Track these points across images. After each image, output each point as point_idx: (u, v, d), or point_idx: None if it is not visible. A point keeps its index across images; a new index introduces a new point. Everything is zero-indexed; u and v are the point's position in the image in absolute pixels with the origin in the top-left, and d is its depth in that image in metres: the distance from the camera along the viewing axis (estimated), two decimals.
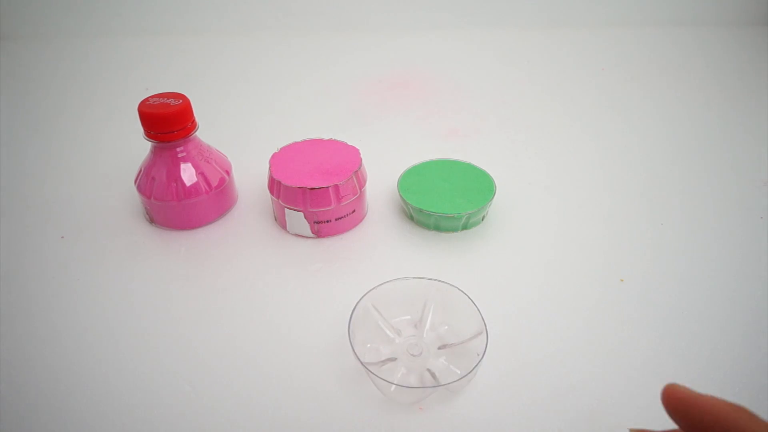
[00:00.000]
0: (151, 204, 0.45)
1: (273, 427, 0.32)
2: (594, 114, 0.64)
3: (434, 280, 0.37)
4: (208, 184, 0.45)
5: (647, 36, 0.82)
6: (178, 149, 0.44)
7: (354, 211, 0.46)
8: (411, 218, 0.47)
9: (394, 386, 0.32)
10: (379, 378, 0.31)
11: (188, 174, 0.44)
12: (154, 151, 0.44)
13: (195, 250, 0.45)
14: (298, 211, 0.44)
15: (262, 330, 0.38)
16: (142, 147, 0.46)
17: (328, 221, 0.44)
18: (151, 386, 0.34)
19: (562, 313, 0.39)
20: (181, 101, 0.43)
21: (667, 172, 0.54)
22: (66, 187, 0.52)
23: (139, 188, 0.45)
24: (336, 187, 0.43)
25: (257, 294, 0.41)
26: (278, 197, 0.44)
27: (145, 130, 0.43)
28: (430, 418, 0.32)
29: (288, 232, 0.46)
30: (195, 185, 0.45)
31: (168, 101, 0.43)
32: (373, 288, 0.36)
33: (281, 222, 0.46)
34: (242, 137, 0.59)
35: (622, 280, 0.41)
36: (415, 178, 0.48)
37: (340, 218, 0.45)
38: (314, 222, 0.44)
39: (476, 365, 0.32)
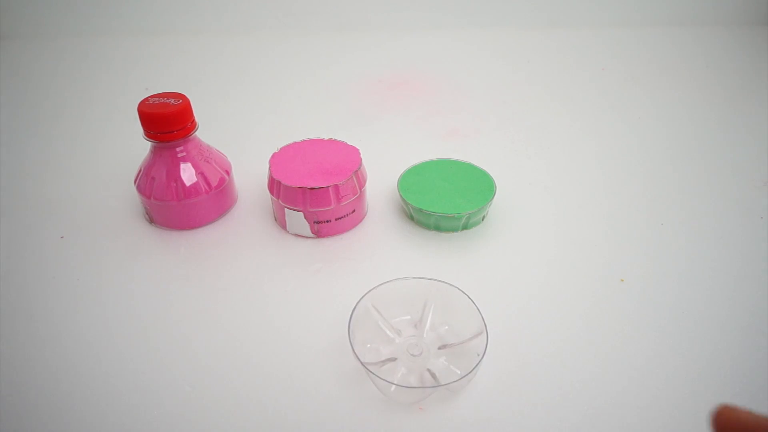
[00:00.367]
0: (150, 204, 0.45)
1: (273, 427, 0.32)
2: (594, 114, 0.64)
3: (434, 280, 0.37)
4: (208, 184, 0.45)
5: (647, 36, 0.82)
6: (177, 149, 0.44)
7: (354, 211, 0.46)
8: (411, 218, 0.47)
9: (394, 386, 0.32)
10: (379, 378, 0.31)
11: (188, 174, 0.44)
12: (154, 151, 0.44)
13: (195, 250, 0.45)
14: (298, 211, 0.44)
15: (261, 330, 0.38)
16: (142, 147, 0.46)
17: (328, 221, 0.44)
18: (151, 386, 0.34)
19: (562, 313, 0.39)
20: (180, 101, 0.43)
21: (667, 172, 0.53)
22: (66, 187, 0.52)
23: (139, 188, 0.45)
24: (336, 187, 0.43)
25: (257, 294, 0.41)
26: (278, 197, 0.44)
27: (144, 130, 0.43)
28: (430, 418, 0.32)
29: (288, 232, 0.46)
30: (195, 185, 0.45)
31: (168, 101, 0.43)
32: (373, 288, 0.36)
33: (281, 222, 0.46)
34: (242, 137, 0.59)
35: (622, 280, 0.41)
36: (415, 178, 0.48)
37: (340, 218, 0.45)
38: (314, 222, 0.44)
39: (476, 365, 0.32)
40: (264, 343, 0.37)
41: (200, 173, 0.45)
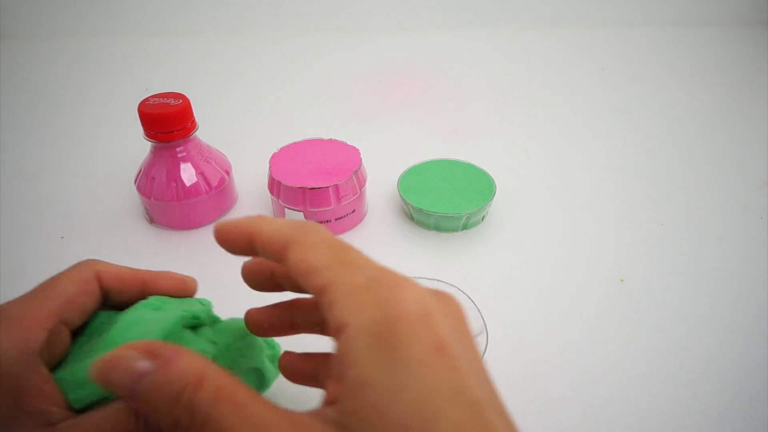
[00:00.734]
0: (151, 204, 0.45)
1: None
2: (594, 114, 0.64)
3: (434, 279, 0.37)
4: (208, 184, 0.45)
5: (647, 36, 0.82)
6: (177, 149, 0.44)
7: (354, 211, 0.46)
8: (411, 218, 0.47)
9: None
10: None
11: (188, 174, 0.44)
12: (154, 151, 0.44)
13: (195, 250, 0.45)
14: (298, 211, 0.44)
15: None
16: (142, 147, 0.46)
17: (328, 221, 0.44)
18: None
19: (562, 313, 0.39)
20: (180, 101, 0.43)
21: (667, 172, 0.53)
22: (66, 187, 0.52)
23: (139, 188, 0.45)
24: (336, 187, 0.43)
25: (257, 294, 0.41)
26: (278, 197, 0.44)
27: (144, 130, 0.43)
28: None
29: None
30: (195, 185, 0.45)
31: (168, 101, 0.43)
32: None
33: None
34: (242, 137, 0.59)
35: (622, 280, 0.41)
36: (415, 178, 0.48)
37: (340, 218, 0.45)
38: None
39: None
40: None
41: (200, 173, 0.45)
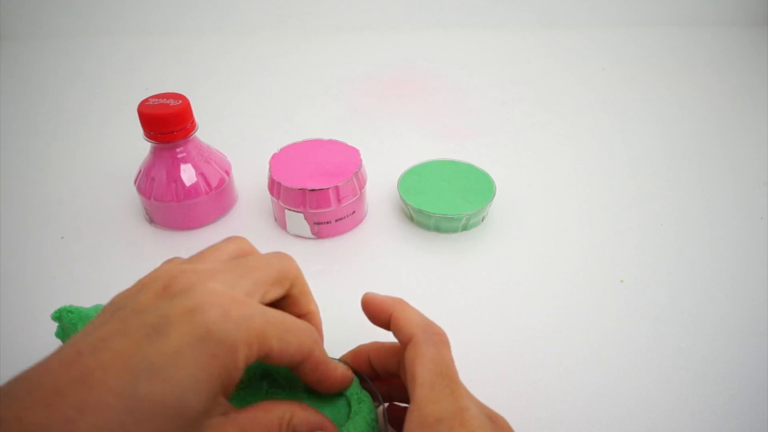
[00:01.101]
0: (150, 204, 0.45)
1: None
2: (594, 114, 0.64)
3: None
4: (208, 184, 0.45)
5: (647, 36, 0.82)
6: (177, 150, 0.44)
7: (354, 212, 0.46)
8: (411, 219, 0.47)
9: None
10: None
11: (188, 174, 0.44)
12: (154, 152, 0.44)
13: (195, 250, 0.44)
14: (298, 212, 0.44)
15: None
16: (142, 147, 0.46)
17: (328, 222, 0.44)
18: None
19: (561, 314, 0.39)
20: (180, 101, 0.43)
21: (667, 173, 0.53)
22: (66, 187, 0.52)
23: (139, 188, 0.45)
24: (336, 188, 0.43)
25: None
26: (278, 198, 0.44)
27: (144, 131, 0.43)
28: None
29: (288, 232, 0.46)
30: (195, 185, 0.45)
31: (167, 102, 0.43)
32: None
33: (281, 223, 0.46)
34: (242, 137, 0.59)
35: (622, 281, 0.42)
36: (415, 179, 0.48)
37: (340, 219, 0.45)
38: (314, 223, 0.44)
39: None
40: None
41: (200, 174, 0.45)
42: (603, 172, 0.54)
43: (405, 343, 0.26)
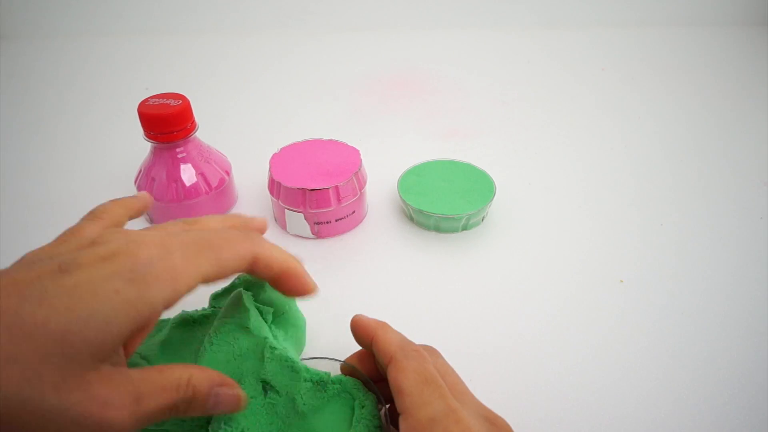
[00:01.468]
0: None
1: None
2: (594, 114, 0.64)
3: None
4: (208, 184, 0.45)
5: (647, 36, 0.82)
6: (177, 150, 0.44)
7: (354, 212, 0.46)
8: (411, 219, 0.47)
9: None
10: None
11: (188, 174, 0.44)
12: (154, 152, 0.44)
13: None
14: (298, 212, 0.44)
15: None
16: (142, 147, 0.46)
17: (328, 222, 0.44)
18: None
19: (561, 314, 0.39)
20: (180, 102, 0.43)
21: (667, 173, 0.54)
22: (66, 187, 0.52)
23: (139, 188, 0.45)
24: (336, 188, 0.43)
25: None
26: (278, 198, 0.44)
27: (144, 131, 0.43)
28: None
29: (288, 232, 0.46)
30: (195, 186, 0.45)
31: (168, 102, 0.43)
32: None
33: (281, 222, 0.46)
34: (242, 137, 0.59)
35: (621, 281, 0.42)
36: (415, 179, 0.48)
37: (340, 219, 0.45)
38: (314, 223, 0.44)
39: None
40: None
41: (200, 174, 0.45)
42: (603, 172, 0.54)
43: (386, 363, 0.26)
